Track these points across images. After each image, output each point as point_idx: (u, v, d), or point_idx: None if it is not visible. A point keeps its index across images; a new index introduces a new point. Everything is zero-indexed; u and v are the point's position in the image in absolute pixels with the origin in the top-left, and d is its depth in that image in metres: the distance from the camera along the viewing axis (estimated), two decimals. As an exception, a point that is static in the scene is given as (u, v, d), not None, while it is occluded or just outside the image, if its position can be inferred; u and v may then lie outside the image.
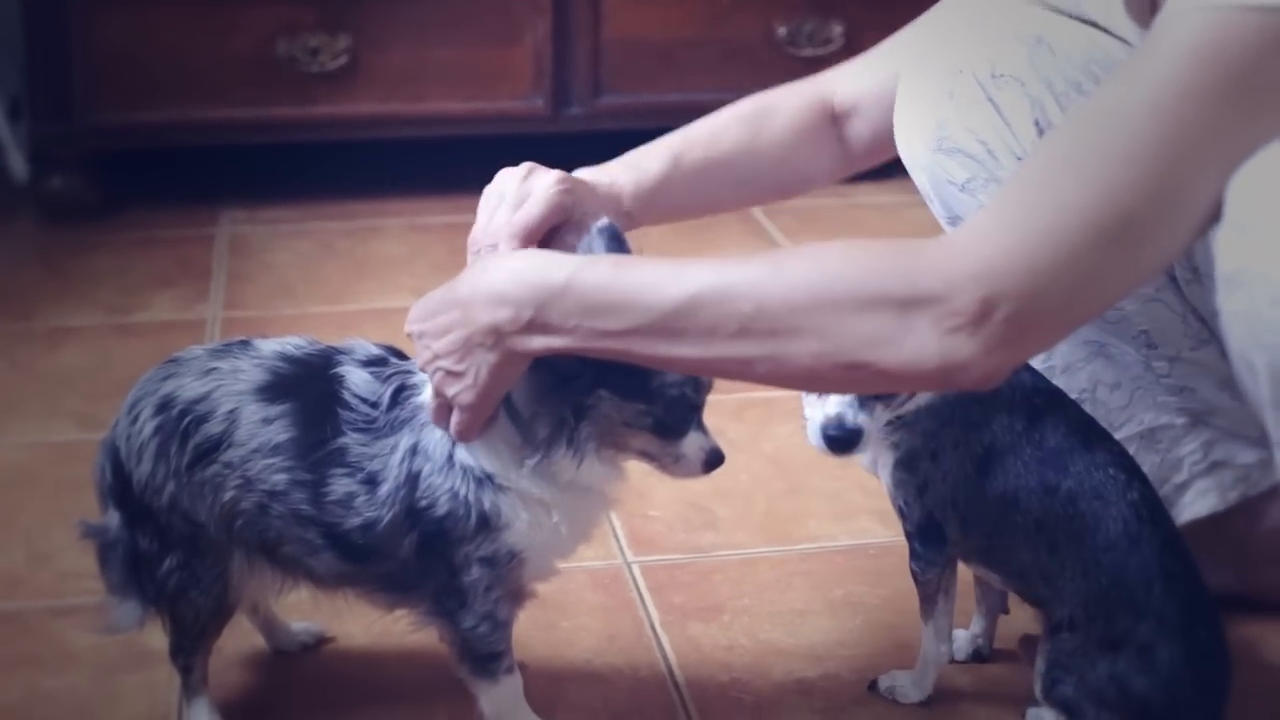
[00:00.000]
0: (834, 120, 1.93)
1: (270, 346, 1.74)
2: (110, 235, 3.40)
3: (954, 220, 1.90)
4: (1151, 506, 1.67)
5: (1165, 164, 1.32)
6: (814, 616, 2.04)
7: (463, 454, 1.65)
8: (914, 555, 1.79)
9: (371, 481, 1.67)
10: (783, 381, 1.50)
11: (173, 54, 3.41)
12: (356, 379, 1.70)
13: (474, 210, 1.73)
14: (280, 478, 1.68)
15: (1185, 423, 1.92)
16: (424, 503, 1.66)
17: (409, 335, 1.63)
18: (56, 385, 2.71)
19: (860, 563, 2.16)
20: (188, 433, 1.69)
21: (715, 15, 3.54)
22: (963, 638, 1.92)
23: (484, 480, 1.65)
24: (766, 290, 1.42)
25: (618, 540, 2.21)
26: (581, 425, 1.62)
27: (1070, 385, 1.89)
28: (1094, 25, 1.84)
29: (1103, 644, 1.65)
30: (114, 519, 1.75)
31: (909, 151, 1.90)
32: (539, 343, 1.53)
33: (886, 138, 1.90)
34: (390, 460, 1.67)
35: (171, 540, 1.72)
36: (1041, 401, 1.72)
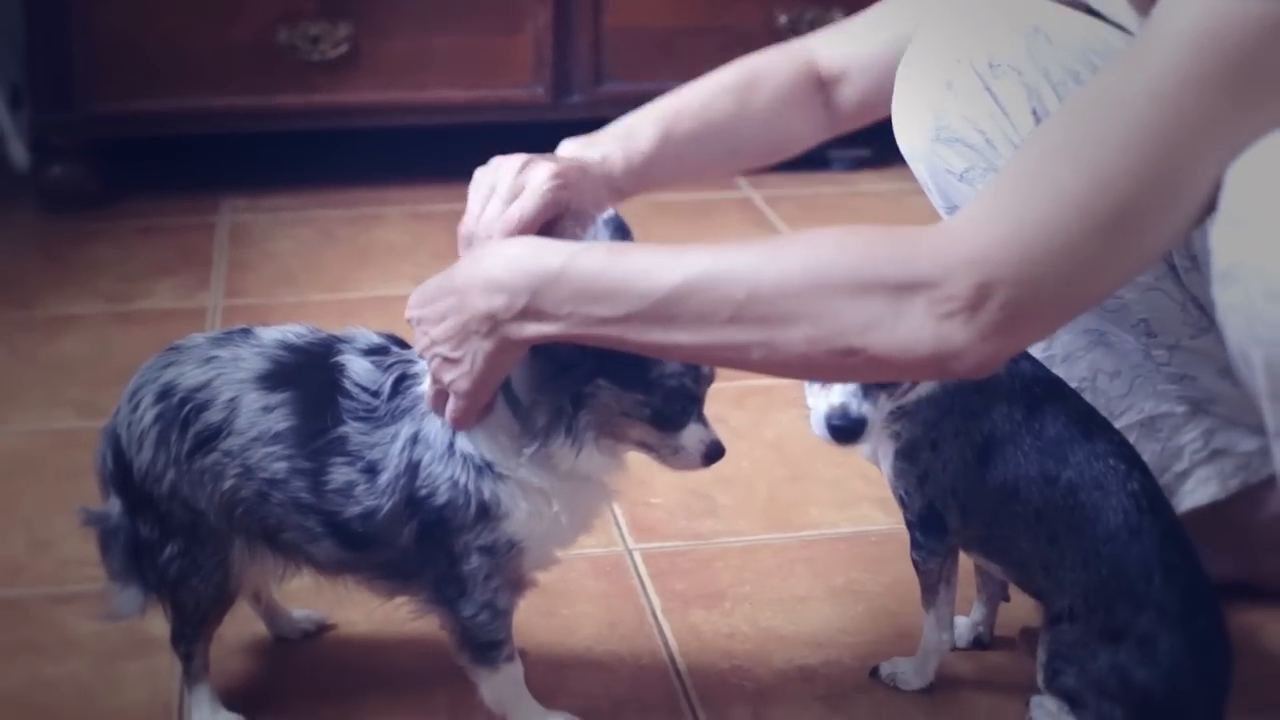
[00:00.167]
0: (820, 86, 1.92)
1: (271, 335, 1.74)
2: (111, 223, 3.40)
3: (952, 210, 1.90)
4: (1152, 496, 1.67)
5: (1163, 152, 1.32)
6: (815, 603, 2.04)
7: (463, 442, 1.65)
8: (915, 545, 1.79)
9: (371, 470, 1.67)
10: (778, 369, 1.49)
11: (173, 42, 3.40)
12: (357, 368, 1.70)
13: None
14: (280, 466, 1.68)
15: (1185, 411, 1.92)
16: (424, 491, 1.66)
17: (409, 321, 1.63)
18: (57, 373, 2.71)
19: (861, 550, 2.16)
20: (188, 420, 1.69)
21: (716, 3, 3.54)
22: (963, 625, 1.92)
23: (484, 469, 1.65)
24: (761, 275, 1.42)
25: (619, 527, 2.21)
26: (580, 414, 1.62)
27: (1070, 374, 1.89)
28: (1093, 13, 1.84)
29: (1103, 635, 1.65)
30: (115, 506, 1.75)
31: (907, 142, 1.90)
32: (533, 330, 1.52)
33: (873, 103, 1.91)
34: (390, 449, 1.67)
35: (172, 528, 1.72)
36: (1041, 391, 1.72)
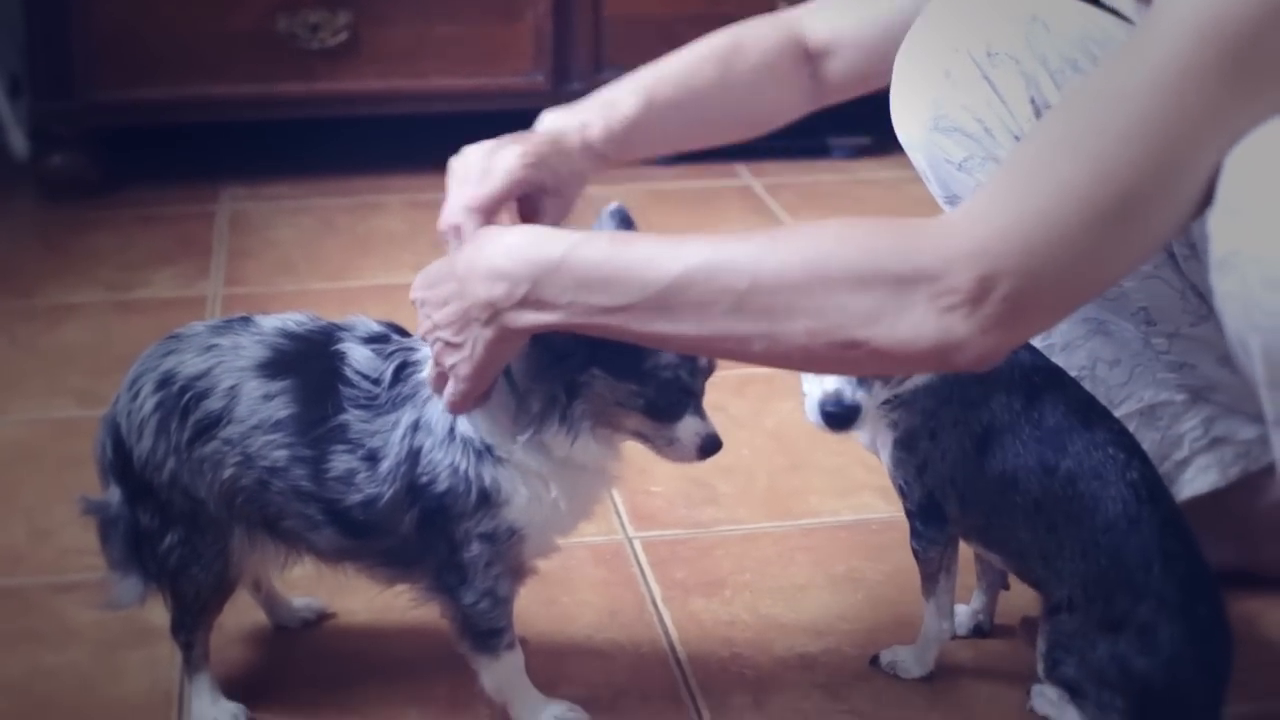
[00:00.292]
0: (807, 58, 1.91)
1: (271, 323, 1.74)
2: (111, 212, 3.40)
3: (951, 199, 1.90)
4: (1151, 486, 1.67)
5: (1164, 142, 1.32)
6: (815, 592, 2.04)
7: (464, 426, 1.66)
8: (915, 534, 1.79)
9: (372, 458, 1.67)
10: (779, 361, 1.49)
11: (173, 30, 3.40)
12: (358, 356, 1.70)
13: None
14: (280, 454, 1.68)
15: (1185, 399, 1.92)
16: (425, 479, 1.66)
17: (413, 302, 1.63)
18: (57, 362, 2.71)
19: (862, 538, 2.16)
20: (188, 409, 1.69)
21: (716, -10, 3.54)
22: (963, 613, 1.92)
23: (484, 453, 1.65)
24: (762, 266, 1.41)
25: (619, 515, 2.21)
26: (575, 403, 1.62)
27: (1069, 363, 1.89)
28: (1091, 1, 1.84)
29: (1103, 625, 1.65)
30: (115, 495, 1.75)
31: (906, 131, 1.90)
32: (533, 319, 1.52)
33: (860, 77, 1.91)
34: (391, 437, 1.67)
35: (172, 516, 1.72)
36: (1040, 380, 1.72)
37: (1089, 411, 1.70)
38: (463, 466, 1.66)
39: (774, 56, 1.90)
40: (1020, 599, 1.89)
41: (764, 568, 2.10)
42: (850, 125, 3.63)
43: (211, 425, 1.69)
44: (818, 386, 1.66)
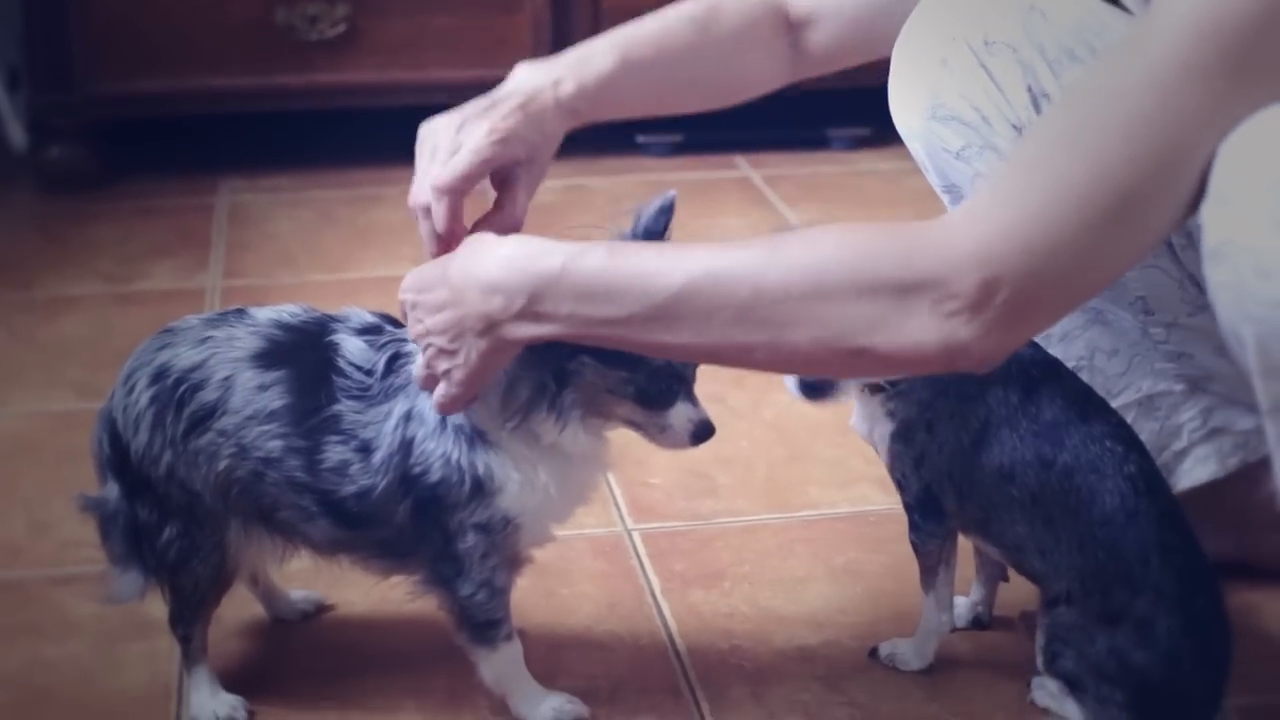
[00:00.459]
0: (787, 27, 1.89)
1: (265, 314, 1.74)
2: (109, 205, 3.40)
3: (949, 188, 1.90)
4: (1149, 478, 1.67)
5: (1164, 140, 1.31)
6: (815, 583, 2.04)
7: (455, 414, 1.66)
8: (914, 527, 1.79)
9: (365, 449, 1.67)
10: (781, 367, 1.50)
11: (172, 22, 3.40)
12: (351, 346, 1.70)
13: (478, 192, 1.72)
14: (275, 445, 1.68)
15: (1183, 389, 1.92)
16: (417, 469, 1.66)
17: (402, 302, 1.62)
18: (56, 355, 2.71)
19: (861, 530, 2.16)
20: (183, 401, 1.69)
21: (716, -18, 3.53)
22: (962, 605, 1.92)
23: (475, 440, 1.65)
24: (764, 276, 1.41)
25: (618, 507, 2.21)
26: (565, 392, 1.62)
27: (1068, 353, 1.89)
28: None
29: (1101, 618, 1.64)
30: (113, 490, 1.75)
31: (904, 120, 1.89)
32: (531, 330, 1.52)
33: (841, 50, 1.89)
34: (384, 427, 1.67)
35: (170, 510, 1.72)
36: (1038, 373, 1.71)
37: (1086, 404, 1.70)
38: (455, 456, 1.66)
39: (753, 23, 1.88)
40: (1019, 591, 1.89)
41: (763, 560, 2.10)
42: (850, 116, 3.63)
43: (206, 417, 1.69)
44: None
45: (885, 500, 2.18)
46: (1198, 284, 1.84)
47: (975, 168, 1.85)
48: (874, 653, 1.87)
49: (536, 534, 1.73)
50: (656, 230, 1.65)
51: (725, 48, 1.87)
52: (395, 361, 1.69)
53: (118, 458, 1.73)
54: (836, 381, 1.67)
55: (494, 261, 1.53)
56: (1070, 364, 1.81)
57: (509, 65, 1.76)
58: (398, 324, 1.73)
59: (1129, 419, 1.79)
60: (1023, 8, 1.81)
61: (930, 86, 1.84)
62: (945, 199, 1.93)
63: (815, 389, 1.68)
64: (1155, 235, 1.36)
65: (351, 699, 1.82)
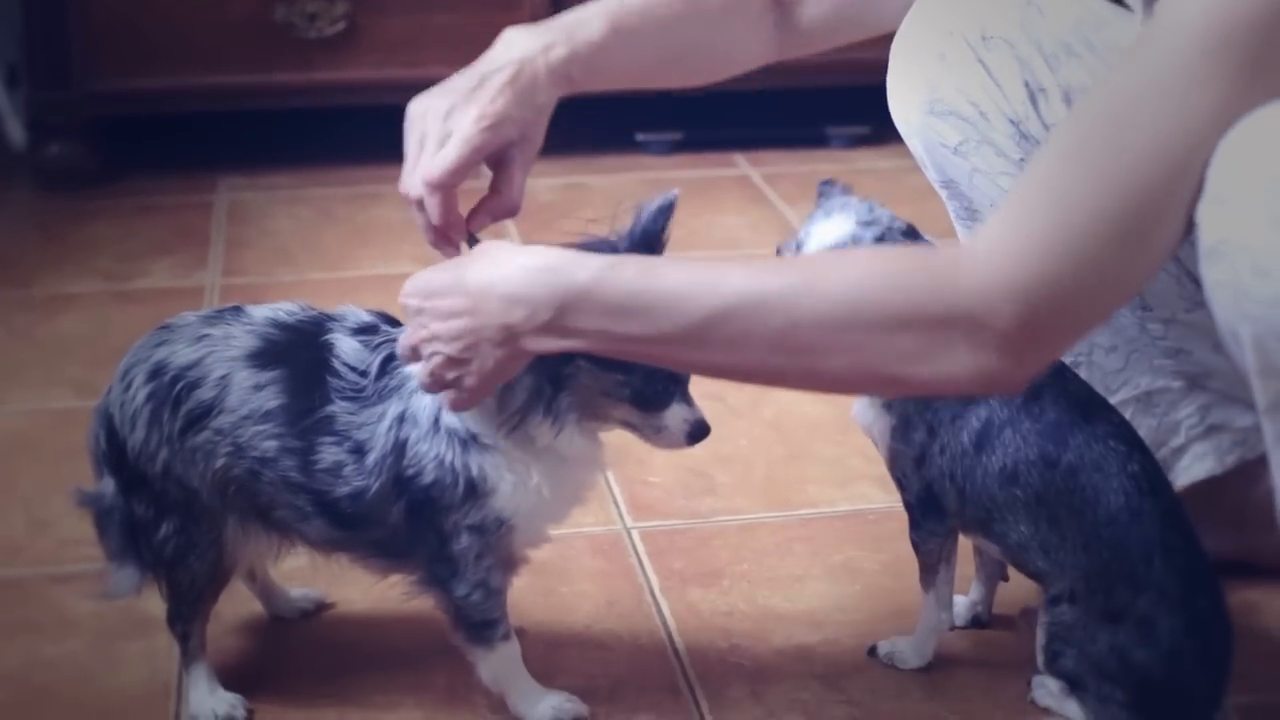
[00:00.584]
0: (776, 2, 1.87)
1: (262, 313, 1.73)
2: (108, 202, 3.40)
3: (947, 184, 1.90)
4: (1152, 478, 1.66)
5: (1180, 153, 1.31)
6: (813, 582, 2.04)
7: (448, 417, 1.65)
8: (914, 526, 1.79)
9: (359, 450, 1.67)
10: (813, 389, 1.51)
11: (171, 20, 3.40)
12: (345, 347, 1.70)
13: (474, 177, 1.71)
14: (270, 444, 1.68)
15: (1182, 386, 1.92)
16: (411, 471, 1.66)
17: (405, 307, 1.60)
18: (55, 352, 2.70)
19: (860, 528, 2.16)
20: (180, 399, 1.69)
21: (715, -21, 3.53)
22: (962, 604, 1.92)
23: (469, 442, 1.65)
24: (800, 305, 1.40)
25: (617, 506, 2.21)
26: (560, 395, 1.62)
27: (1067, 350, 1.89)
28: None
29: (1103, 617, 1.64)
30: (109, 486, 1.75)
31: (902, 116, 1.89)
32: (554, 345, 1.50)
33: (830, 28, 1.87)
34: (378, 429, 1.67)
35: (166, 506, 1.72)
36: (1040, 375, 1.71)
37: (1089, 404, 1.70)
38: (449, 458, 1.65)
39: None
40: (1019, 590, 1.89)
41: (762, 558, 2.10)
42: (849, 115, 3.63)
43: (203, 415, 1.69)
44: None
45: (884, 499, 2.18)
46: (1195, 280, 1.84)
47: (973, 163, 1.85)
48: (873, 651, 1.87)
49: (531, 535, 1.72)
50: (655, 230, 1.64)
51: (713, 19, 1.84)
52: (389, 363, 1.69)
53: (114, 453, 1.73)
54: None
55: (517, 271, 1.50)
56: (1068, 360, 1.81)
57: (508, 64, 1.74)
58: (395, 323, 1.73)
59: (1127, 415, 1.79)
60: (1020, 3, 1.81)
61: (928, 82, 1.84)
62: (943, 194, 1.94)
63: None
64: (1173, 243, 1.36)
65: (351, 697, 1.82)
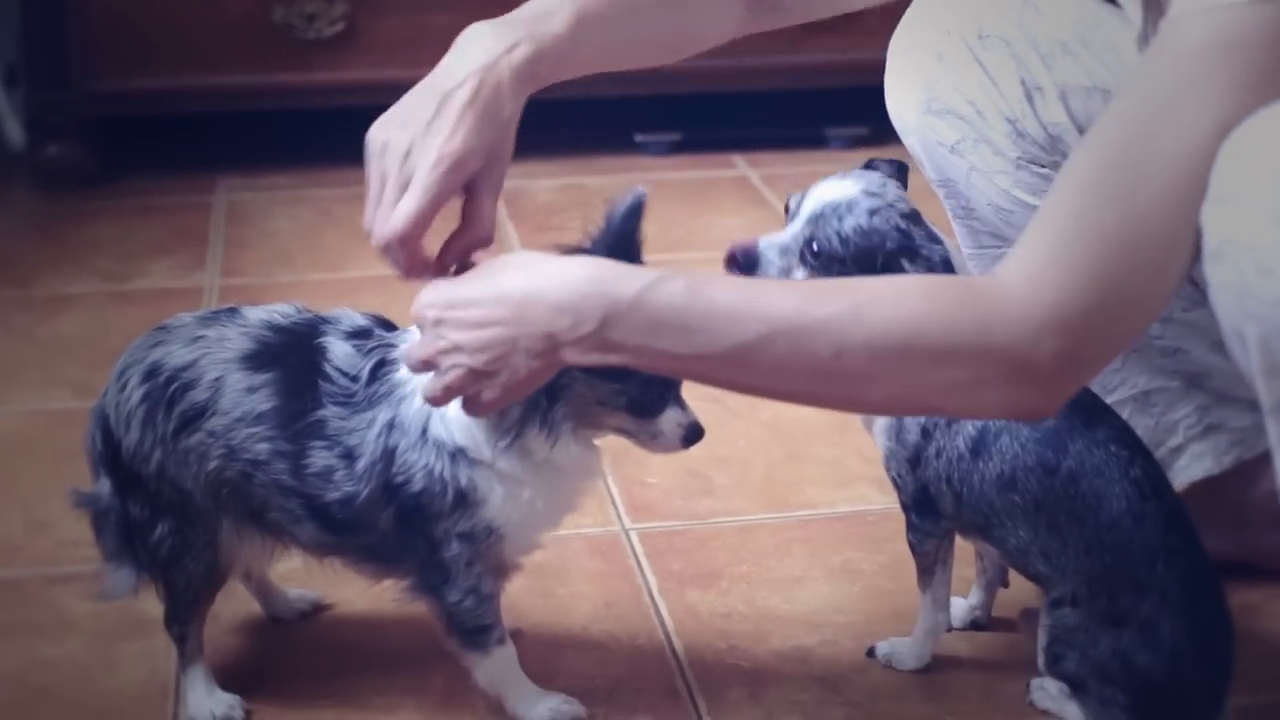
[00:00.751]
0: None
1: (257, 314, 1.73)
2: (107, 203, 3.40)
3: (945, 183, 1.90)
4: (1155, 482, 1.66)
5: (1195, 172, 1.31)
6: (812, 583, 2.04)
7: (437, 429, 1.65)
8: (911, 527, 1.79)
9: (349, 456, 1.67)
10: (849, 411, 1.56)
11: (170, 20, 3.39)
12: (338, 351, 1.69)
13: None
14: (262, 447, 1.68)
15: (1179, 386, 1.92)
16: (400, 478, 1.66)
17: (418, 317, 1.55)
18: (54, 353, 2.70)
19: (858, 529, 2.16)
20: (174, 400, 1.69)
21: (714, -19, 3.52)
22: (960, 607, 1.91)
23: (458, 455, 1.65)
24: (847, 336, 1.39)
25: (615, 507, 2.21)
26: (556, 406, 1.62)
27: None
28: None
29: (1105, 620, 1.64)
30: (105, 487, 1.75)
31: (899, 114, 1.89)
32: (593, 358, 1.47)
33: (801, 1, 1.83)
34: (367, 435, 1.67)
35: (161, 508, 1.72)
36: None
37: (1090, 409, 1.69)
38: (438, 468, 1.65)
39: None
40: (1018, 592, 1.89)
41: (760, 559, 2.09)
42: (848, 116, 3.63)
43: (196, 417, 1.69)
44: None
45: (882, 500, 2.18)
46: (1192, 280, 1.84)
47: (970, 161, 1.86)
48: (871, 652, 1.87)
49: (522, 543, 1.72)
50: (628, 232, 1.61)
51: (681, 6, 1.78)
52: (380, 369, 1.68)
53: (110, 454, 1.73)
54: (758, 258, 1.69)
55: (564, 280, 1.47)
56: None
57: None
58: (390, 327, 1.72)
59: (1124, 415, 1.79)
60: (1017, 3, 1.82)
61: (926, 81, 1.84)
62: (940, 193, 1.94)
63: (742, 267, 1.68)
64: (1190, 260, 1.36)
65: (349, 698, 1.82)
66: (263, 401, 1.68)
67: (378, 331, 1.72)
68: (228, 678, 1.82)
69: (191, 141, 3.70)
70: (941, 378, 1.39)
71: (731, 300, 1.43)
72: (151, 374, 1.70)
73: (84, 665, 1.88)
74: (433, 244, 1.62)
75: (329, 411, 1.67)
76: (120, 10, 3.36)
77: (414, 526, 1.67)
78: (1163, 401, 1.93)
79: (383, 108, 1.66)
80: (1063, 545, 1.66)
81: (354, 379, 1.68)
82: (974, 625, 1.92)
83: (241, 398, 1.68)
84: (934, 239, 1.68)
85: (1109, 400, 1.79)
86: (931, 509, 1.76)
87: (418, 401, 1.65)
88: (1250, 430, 1.92)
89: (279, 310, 1.74)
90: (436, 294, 1.54)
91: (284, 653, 1.92)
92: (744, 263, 1.68)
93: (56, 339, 2.77)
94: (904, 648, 1.85)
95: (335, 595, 1.98)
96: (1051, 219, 1.38)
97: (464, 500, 1.65)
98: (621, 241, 1.61)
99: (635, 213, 1.62)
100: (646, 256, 1.65)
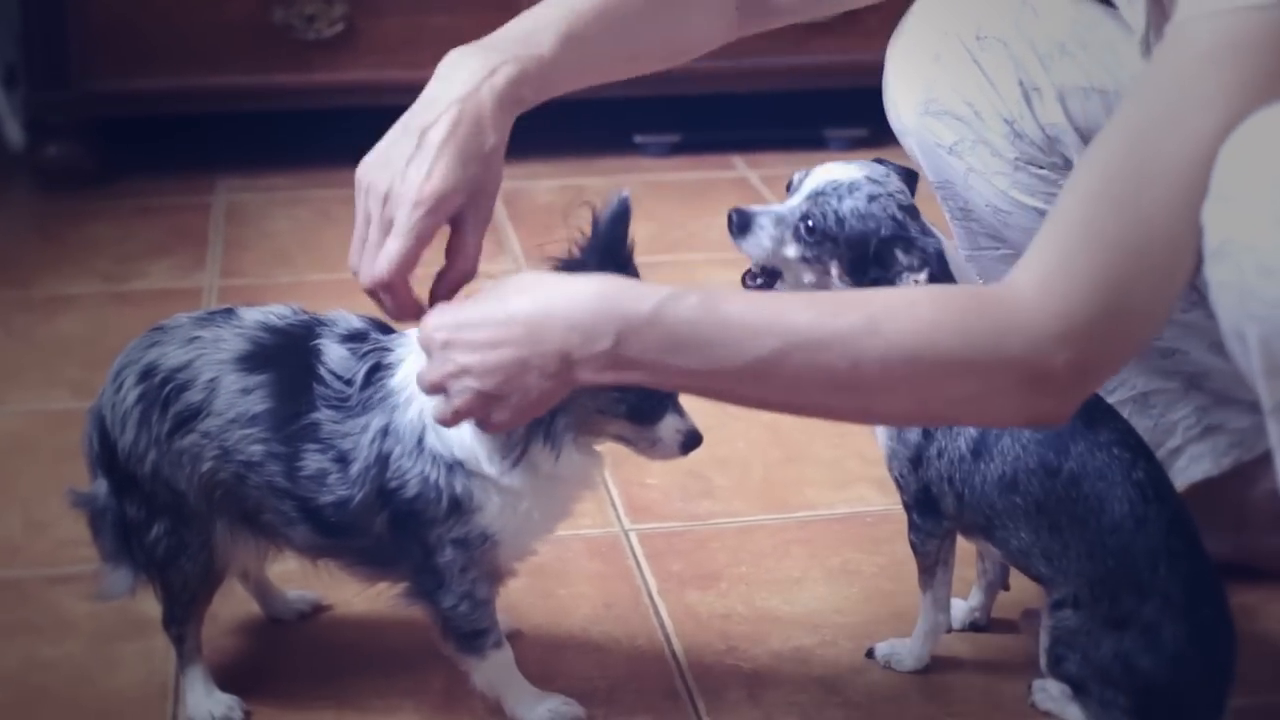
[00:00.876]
0: None
1: (253, 316, 1.73)
2: (107, 203, 3.40)
3: (943, 184, 1.90)
4: (1157, 485, 1.66)
5: (1202, 177, 1.31)
6: (811, 584, 2.04)
7: (432, 440, 1.64)
8: (912, 527, 1.79)
9: (343, 460, 1.67)
10: (863, 423, 1.58)
11: (169, 21, 3.40)
12: (333, 354, 1.69)
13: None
14: (257, 449, 1.68)
15: (1178, 386, 1.92)
16: (394, 484, 1.65)
17: (425, 340, 1.53)
18: (54, 353, 2.70)
19: (857, 530, 2.16)
20: (169, 401, 1.69)
21: (713, -19, 3.52)
22: (960, 609, 1.91)
23: (454, 466, 1.64)
24: (862, 349, 1.39)
25: (615, 508, 2.21)
26: (556, 417, 1.61)
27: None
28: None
29: (1107, 623, 1.64)
30: (102, 487, 1.75)
31: (898, 116, 1.89)
32: (607, 376, 1.45)
33: (790, 3, 1.83)
34: (361, 440, 1.66)
35: (157, 508, 1.72)
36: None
37: (1092, 411, 1.69)
38: (433, 476, 1.65)
39: None
40: (1020, 593, 1.89)
41: (760, 560, 2.09)
42: (847, 117, 3.63)
43: (191, 418, 1.69)
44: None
45: (882, 501, 2.18)
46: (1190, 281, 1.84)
47: (968, 162, 1.86)
48: (871, 653, 1.87)
49: (517, 550, 1.72)
50: (616, 239, 1.61)
51: (673, 10, 1.78)
52: (375, 373, 1.67)
53: (106, 454, 1.73)
54: (751, 220, 1.71)
55: (576, 298, 1.45)
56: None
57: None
58: (386, 330, 1.72)
59: (1124, 416, 1.79)
60: (1015, 4, 1.82)
61: (924, 82, 1.84)
62: (938, 195, 1.94)
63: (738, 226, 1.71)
64: (1195, 264, 1.36)
65: (348, 699, 1.82)
66: (257, 403, 1.68)
67: (374, 335, 1.71)
68: (227, 678, 1.82)
69: (191, 142, 3.70)
70: (956, 388, 1.39)
71: (746, 315, 1.42)
72: (147, 374, 1.70)
73: (83, 665, 1.88)
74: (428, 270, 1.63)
75: (323, 415, 1.67)
76: (120, 10, 3.36)
77: (408, 532, 1.67)
78: (1161, 403, 1.93)
79: (382, 108, 1.66)
80: (1064, 547, 1.66)
81: (348, 383, 1.67)
82: (973, 627, 1.92)
83: (236, 399, 1.68)
84: (928, 233, 1.68)
85: (1108, 401, 1.78)
86: (933, 509, 1.76)
87: (414, 410, 1.65)
88: (1249, 431, 1.92)
89: (275, 312, 1.74)
90: (445, 316, 1.52)
91: (283, 653, 1.92)
92: (738, 221, 1.70)
93: (56, 339, 2.77)
94: (903, 649, 1.85)
95: (334, 596, 1.98)
96: (1060, 225, 1.38)
97: (459, 508, 1.65)
98: (611, 248, 1.60)
99: (621, 218, 1.61)
100: (646, 257, 1.65)
